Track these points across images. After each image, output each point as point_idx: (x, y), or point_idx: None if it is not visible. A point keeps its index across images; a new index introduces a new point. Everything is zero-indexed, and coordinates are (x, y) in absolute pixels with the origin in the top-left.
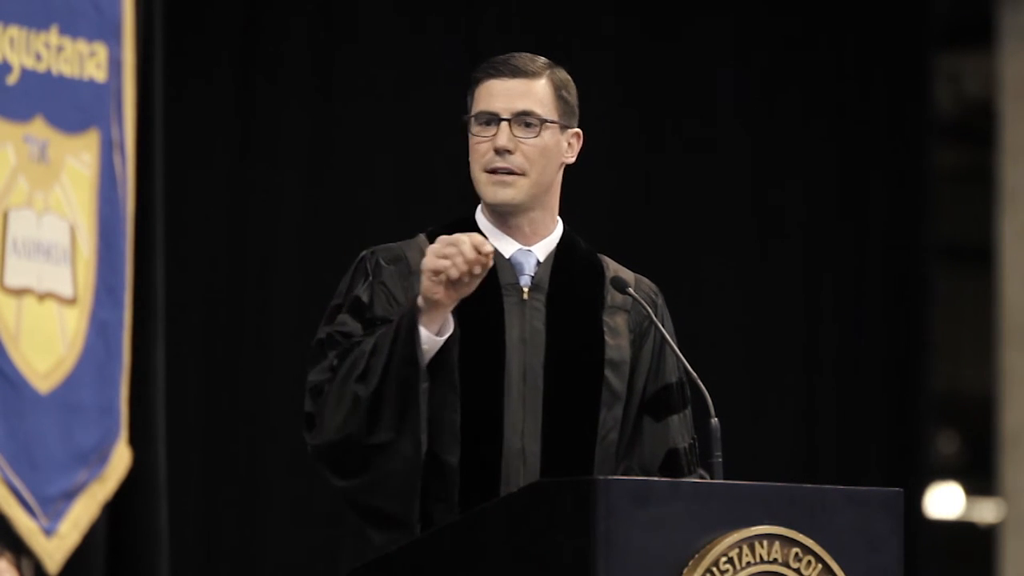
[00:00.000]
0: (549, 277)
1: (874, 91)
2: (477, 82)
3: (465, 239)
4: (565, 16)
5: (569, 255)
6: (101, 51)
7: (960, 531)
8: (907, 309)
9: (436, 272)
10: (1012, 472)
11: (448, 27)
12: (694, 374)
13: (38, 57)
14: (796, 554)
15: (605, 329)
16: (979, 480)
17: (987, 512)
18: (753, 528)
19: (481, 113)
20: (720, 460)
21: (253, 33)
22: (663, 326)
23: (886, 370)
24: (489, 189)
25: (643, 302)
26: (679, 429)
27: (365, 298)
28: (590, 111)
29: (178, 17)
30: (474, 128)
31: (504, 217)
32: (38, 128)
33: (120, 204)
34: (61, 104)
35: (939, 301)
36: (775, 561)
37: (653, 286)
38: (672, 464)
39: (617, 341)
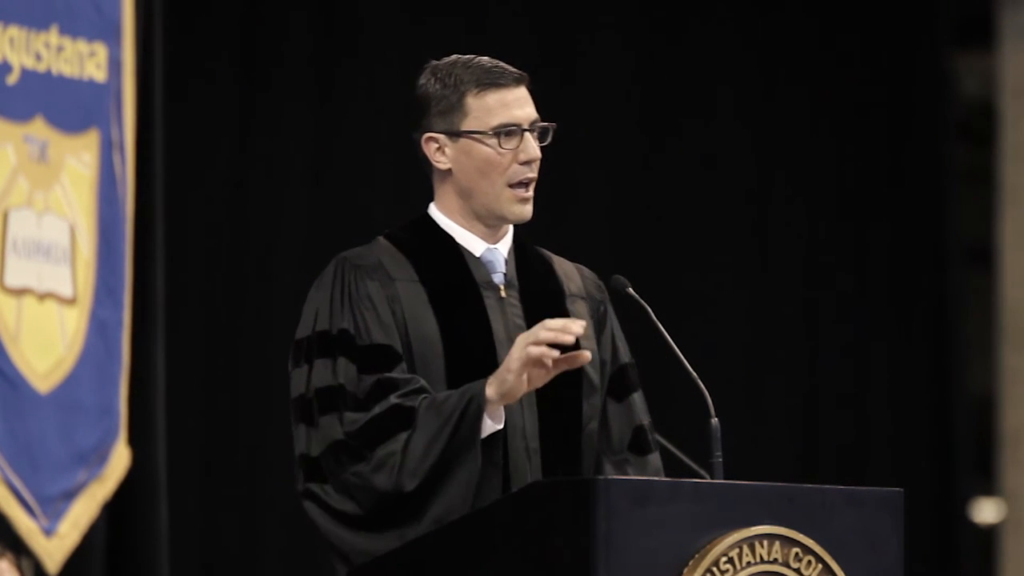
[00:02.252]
0: (516, 273)
1: (882, 91)
2: (472, 93)
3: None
4: (568, 19)
5: (523, 250)
6: (101, 51)
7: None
8: (916, 309)
9: (534, 363)
10: (1012, 472)
11: (450, 27)
12: (694, 374)
13: (38, 57)
14: (796, 554)
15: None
16: (979, 480)
17: (987, 512)
18: (753, 528)
19: (503, 125)
20: (720, 460)
21: (253, 33)
22: (609, 315)
23: (889, 369)
24: (516, 207)
25: (601, 295)
26: (640, 406)
27: (351, 328)
28: (592, 116)
29: (178, 17)
30: (491, 141)
31: (482, 224)
32: (38, 128)
33: (120, 204)
34: (61, 104)
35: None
36: (775, 561)
37: (595, 276)
38: (640, 441)
39: (585, 331)
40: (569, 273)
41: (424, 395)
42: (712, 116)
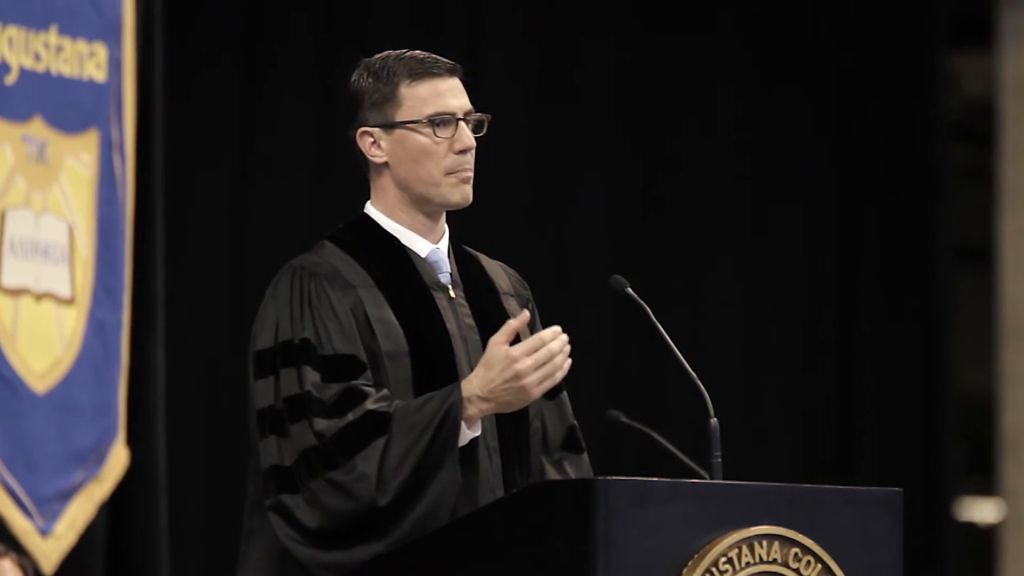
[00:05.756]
0: (457, 272)
1: (878, 92)
2: (405, 83)
3: (543, 346)
4: (566, 23)
5: (457, 249)
6: (101, 51)
7: (960, 531)
8: (910, 309)
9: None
10: (1012, 472)
11: (451, 27)
12: (693, 374)
13: (37, 57)
14: (796, 554)
15: (511, 318)
16: (979, 480)
17: (987, 512)
18: (753, 528)
19: (437, 114)
20: (720, 460)
21: (254, 32)
22: (536, 312)
23: (885, 369)
24: (456, 190)
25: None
26: (568, 405)
27: (313, 338)
28: (590, 114)
29: (178, 17)
30: (426, 130)
31: (422, 214)
32: (37, 128)
33: (119, 204)
34: (60, 104)
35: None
36: (774, 561)
37: (517, 274)
38: (573, 440)
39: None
40: (496, 271)
41: (397, 400)
42: (711, 117)
